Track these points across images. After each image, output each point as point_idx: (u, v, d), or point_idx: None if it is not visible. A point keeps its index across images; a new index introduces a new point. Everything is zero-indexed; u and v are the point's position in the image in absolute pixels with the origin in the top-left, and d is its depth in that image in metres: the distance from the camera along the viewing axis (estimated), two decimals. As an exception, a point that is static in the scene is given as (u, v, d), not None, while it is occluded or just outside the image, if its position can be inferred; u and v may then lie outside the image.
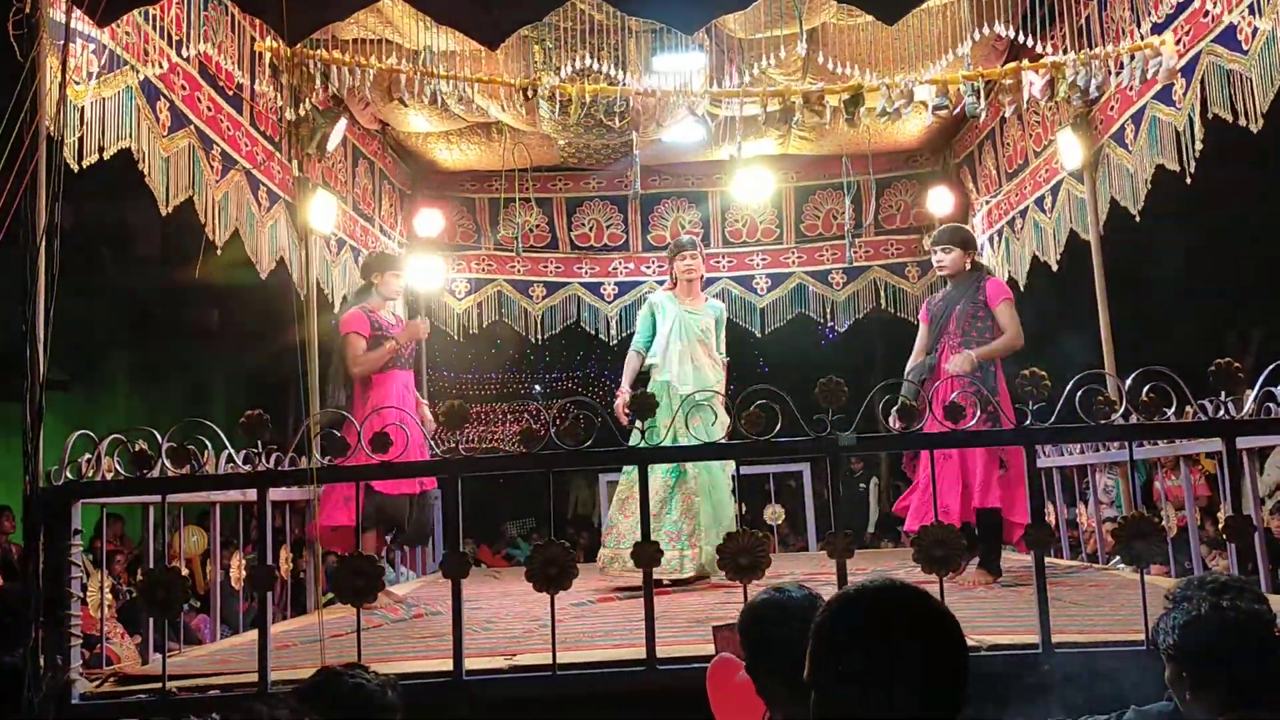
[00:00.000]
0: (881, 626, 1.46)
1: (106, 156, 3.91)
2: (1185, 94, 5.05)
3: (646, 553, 3.40)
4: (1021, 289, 7.41)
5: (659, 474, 5.38)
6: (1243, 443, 3.64)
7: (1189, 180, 5.12)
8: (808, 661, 1.51)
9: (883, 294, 8.58)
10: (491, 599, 5.71)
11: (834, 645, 1.48)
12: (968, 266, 5.41)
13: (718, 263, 8.51)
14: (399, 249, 7.95)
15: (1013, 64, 5.58)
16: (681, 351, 5.70)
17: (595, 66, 5.49)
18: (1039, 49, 5.54)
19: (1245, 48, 4.54)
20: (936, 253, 5.42)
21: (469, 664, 3.33)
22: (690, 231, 8.49)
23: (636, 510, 5.34)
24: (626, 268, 8.52)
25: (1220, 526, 3.30)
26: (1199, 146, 5.00)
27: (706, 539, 5.32)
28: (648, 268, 8.46)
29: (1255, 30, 4.44)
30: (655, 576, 5.34)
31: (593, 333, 8.68)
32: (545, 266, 8.60)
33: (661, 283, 8.43)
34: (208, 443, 3.77)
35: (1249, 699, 2.13)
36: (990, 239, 7.79)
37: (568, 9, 5.46)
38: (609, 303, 8.59)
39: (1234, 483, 3.36)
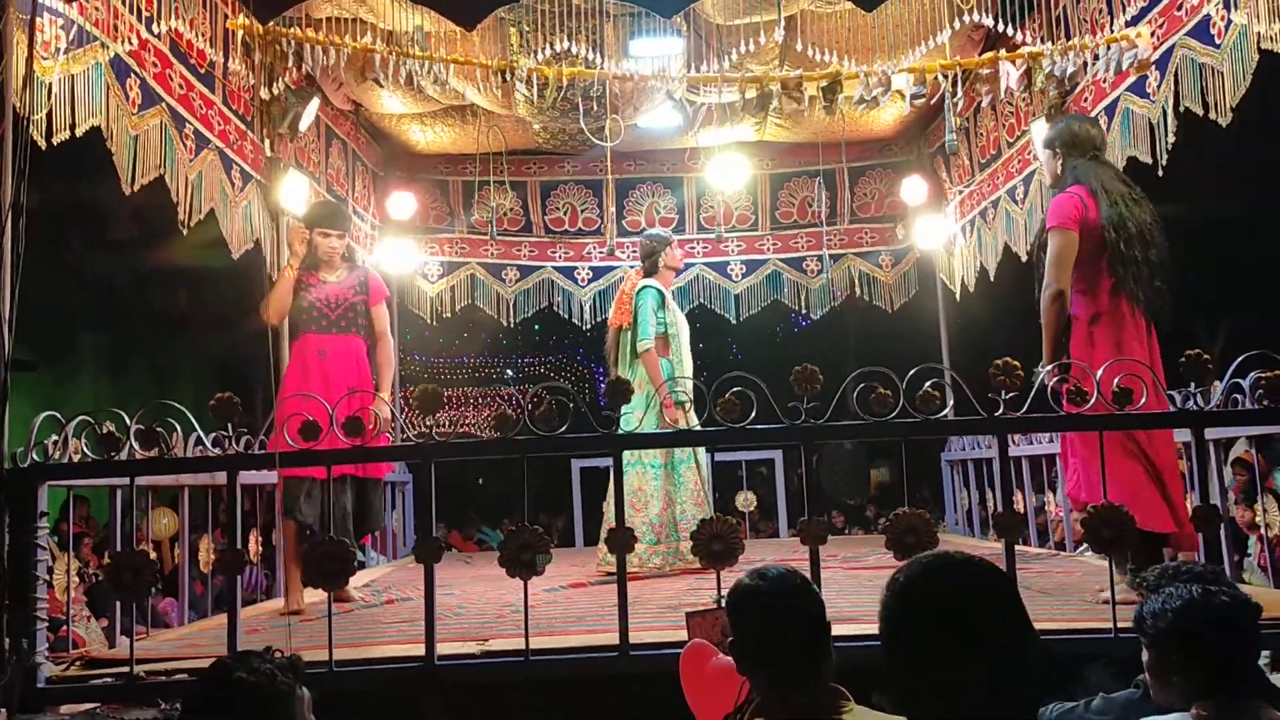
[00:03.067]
0: (957, 593, 1.48)
1: (78, 134, 3.85)
2: (1159, 87, 5.08)
3: (620, 539, 3.39)
4: (991, 278, 7.46)
5: (649, 468, 5.53)
6: (1210, 434, 3.68)
7: (1160, 173, 5.16)
8: (887, 637, 1.52)
9: (857, 282, 8.61)
10: (464, 583, 5.69)
11: (914, 614, 1.49)
12: (1060, 170, 4.29)
13: (692, 248, 8.51)
14: (372, 230, 7.90)
15: (990, 53, 5.59)
16: (684, 345, 5.83)
17: (572, 50, 5.45)
18: (1016, 37, 5.56)
19: (1218, 41, 4.58)
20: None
21: (441, 649, 3.31)
22: (664, 219, 8.51)
23: (652, 506, 5.52)
24: (601, 252, 8.49)
25: (1189, 516, 3.34)
26: (1171, 139, 5.04)
27: None
28: (623, 253, 8.44)
29: (1229, 23, 4.48)
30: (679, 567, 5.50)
31: (566, 317, 8.66)
32: (519, 250, 8.57)
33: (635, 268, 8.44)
34: (176, 425, 3.73)
35: (1222, 688, 2.16)
36: (963, 228, 7.83)
37: (545, -8, 5.43)
38: (583, 287, 8.57)
39: (1202, 473, 3.40)
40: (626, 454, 5.65)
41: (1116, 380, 3.39)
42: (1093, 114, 5.83)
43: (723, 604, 3.10)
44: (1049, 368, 3.76)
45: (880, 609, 1.54)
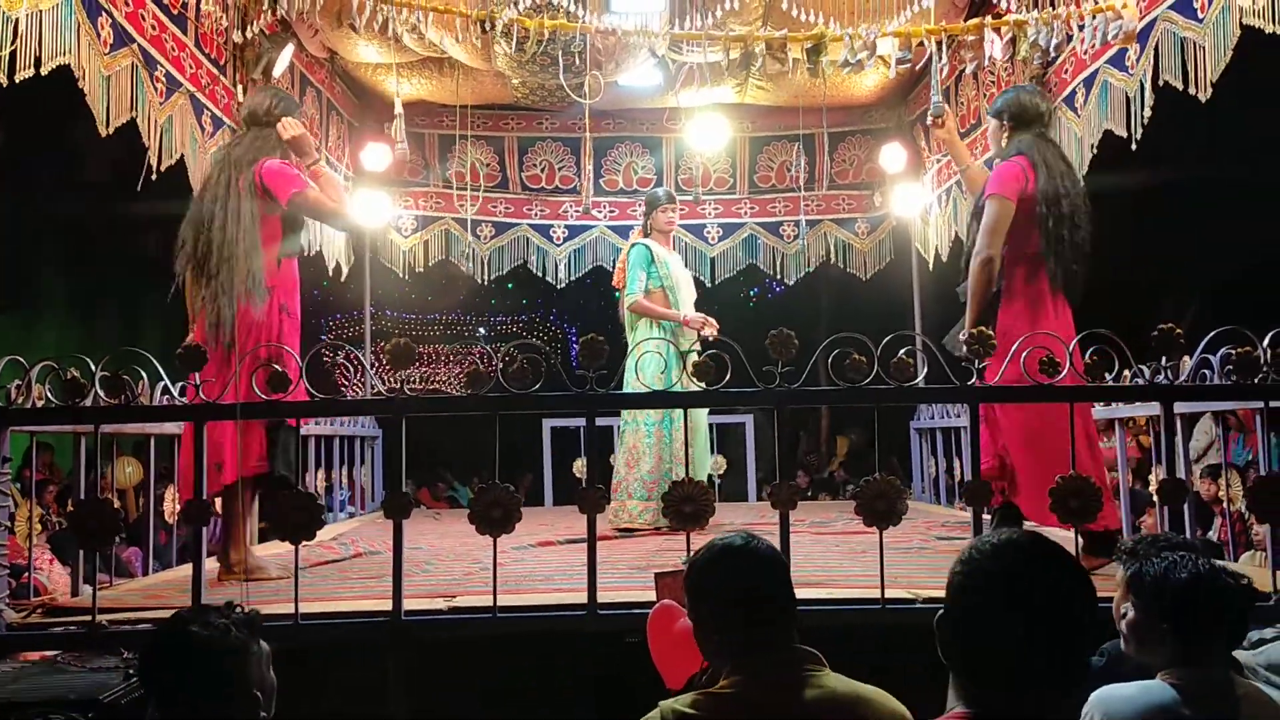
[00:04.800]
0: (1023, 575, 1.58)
1: (44, 73, 3.75)
2: (1139, 60, 5.07)
3: (591, 499, 3.38)
4: (966, 248, 7.45)
5: (643, 426, 5.64)
6: (1178, 408, 3.71)
7: (1134, 146, 5.17)
8: (953, 604, 1.63)
9: (833, 249, 8.60)
10: (432, 538, 5.69)
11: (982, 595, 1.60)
12: (1005, 143, 4.33)
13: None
14: (346, 181, 7.79)
15: (976, 20, 5.56)
16: (685, 301, 5.89)
17: (554, 3, 5.36)
18: (1000, 4, 5.52)
19: (1200, 16, 4.57)
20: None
21: (408, 605, 3.30)
22: (642, 179, 8.46)
23: (644, 462, 5.57)
24: (577, 211, 8.41)
25: (1155, 490, 3.37)
26: (1148, 113, 5.04)
27: None
28: (599, 212, 8.39)
29: (1212, -3, 4.46)
30: (626, 526, 5.55)
31: (541, 275, 8.61)
32: (495, 206, 8.48)
33: (620, 229, 8.41)
34: (143, 373, 3.67)
35: (1195, 658, 2.20)
36: (939, 197, 7.82)
37: (526, -58, 5.33)
38: (558, 245, 8.52)
39: (1169, 447, 3.43)
40: (624, 413, 5.71)
41: (1089, 353, 3.40)
42: (1071, 86, 5.82)
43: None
44: (970, 332, 3.80)
45: (951, 577, 1.65)
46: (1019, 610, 1.55)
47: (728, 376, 3.40)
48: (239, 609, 2.11)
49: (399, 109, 5.95)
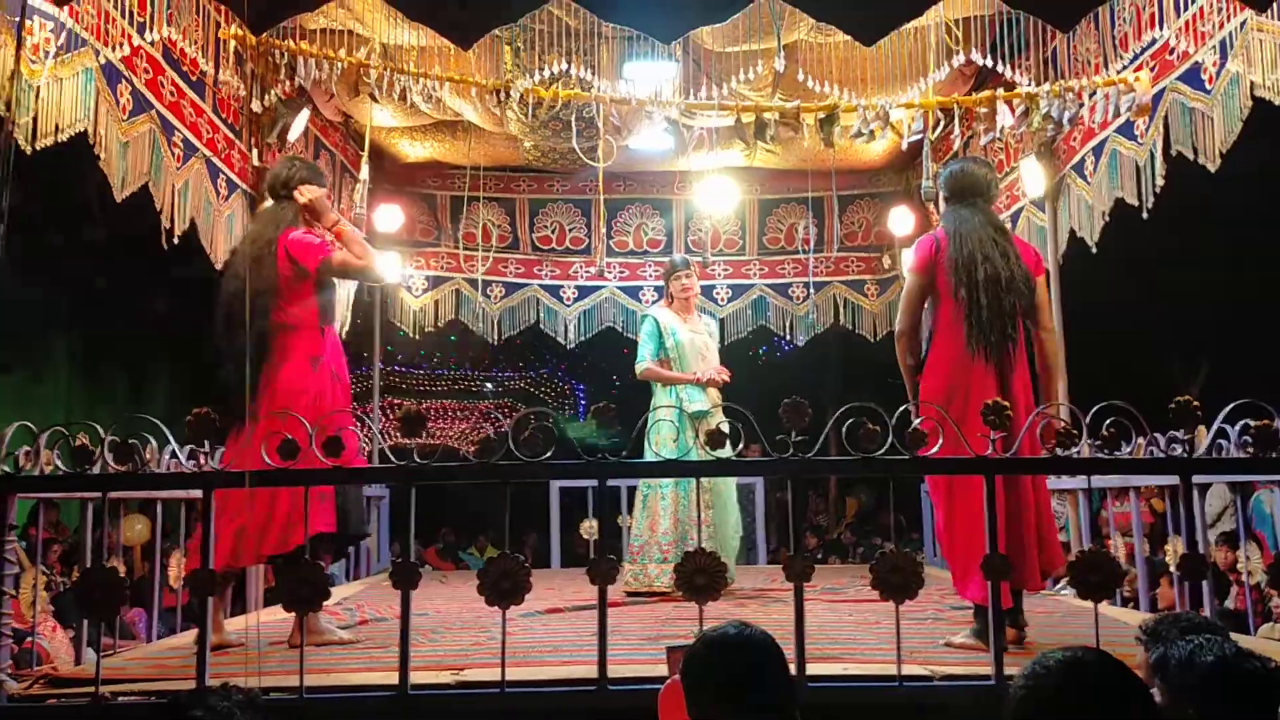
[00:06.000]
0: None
1: (63, 139, 3.79)
2: (1148, 129, 5.11)
3: (601, 569, 3.34)
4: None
5: (660, 488, 5.55)
6: (1197, 479, 3.67)
7: (1145, 215, 5.18)
8: None
9: (842, 310, 8.61)
10: (439, 602, 5.63)
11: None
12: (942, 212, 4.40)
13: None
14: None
15: (988, 92, 5.60)
16: (692, 369, 5.80)
17: (568, 71, 5.43)
18: (1008, 74, 5.57)
19: (1209, 87, 4.61)
20: None
21: (414, 677, 3.24)
22: (653, 241, 8.51)
23: (661, 524, 5.53)
24: (588, 272, 8.46)
25: (1175, 565, 3.32)
26: (1159, 182, 5.07)
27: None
28: (610, 272, 8.42)
29: (1220, 70, 4.51)
30: (641, 590, 5.50)
31: (551, 336, 8.63)
32: (505, 267, 8.54)
33: (630, 290, 8.47)
34: (151, 438, 3.65)
35: None
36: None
37: (541, 12, 5.40)
38: (568, 306, 8.55)
39: (1189, 520, 3.38)
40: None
41: (1106, 424, 3.37)
42: (1080, 154, 5.86)
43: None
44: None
45: (1013, 690, 1.68)
46: None
47: (741, 445, 3.37)
48: (238, 690, 2.06)
49: (364, 174, 5.98)
